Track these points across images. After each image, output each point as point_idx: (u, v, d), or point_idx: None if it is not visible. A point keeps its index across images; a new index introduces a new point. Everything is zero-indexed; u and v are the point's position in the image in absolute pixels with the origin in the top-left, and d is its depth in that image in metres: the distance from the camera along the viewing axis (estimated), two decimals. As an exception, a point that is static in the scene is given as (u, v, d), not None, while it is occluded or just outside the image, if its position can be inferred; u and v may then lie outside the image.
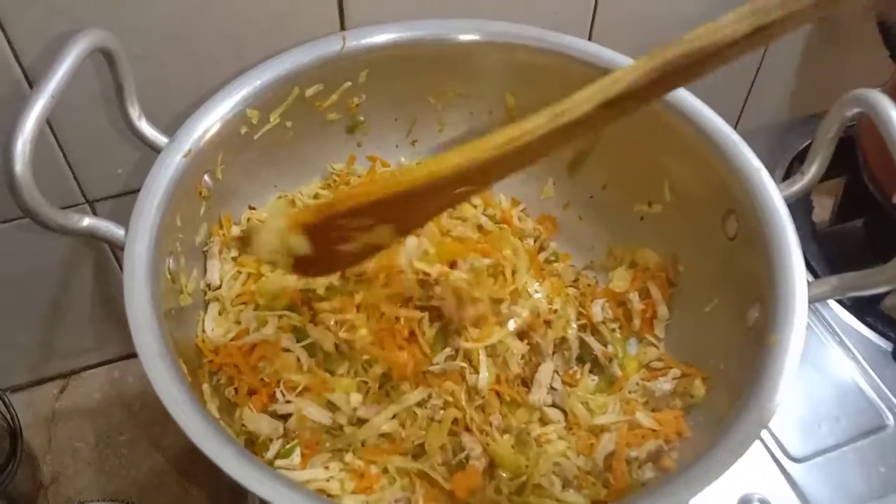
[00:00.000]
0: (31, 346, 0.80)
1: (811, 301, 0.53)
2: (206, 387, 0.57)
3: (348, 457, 0.56)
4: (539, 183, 0.74)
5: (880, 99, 0.52)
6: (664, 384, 0.59)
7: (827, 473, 0.67)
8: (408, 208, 0.48)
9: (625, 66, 0.41)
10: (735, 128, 0.96)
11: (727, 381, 0.56)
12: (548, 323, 0.63)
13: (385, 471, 0.55)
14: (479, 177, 0.45)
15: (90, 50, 0.51)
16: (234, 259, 0.64)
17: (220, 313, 0.62)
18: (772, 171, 0.86)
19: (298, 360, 0.58)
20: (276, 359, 0.58)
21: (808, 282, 0.54)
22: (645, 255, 0.69)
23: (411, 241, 0.62)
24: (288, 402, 0.57)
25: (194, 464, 0.77)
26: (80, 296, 0.77)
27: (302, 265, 0.50)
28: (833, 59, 0.93)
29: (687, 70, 0.40)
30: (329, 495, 0.53)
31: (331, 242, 0.50)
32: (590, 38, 0.76)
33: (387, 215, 0.48)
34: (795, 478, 0.66)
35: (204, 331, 0.60)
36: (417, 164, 0.68)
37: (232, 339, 0.59)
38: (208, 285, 0.62)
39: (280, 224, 0.49)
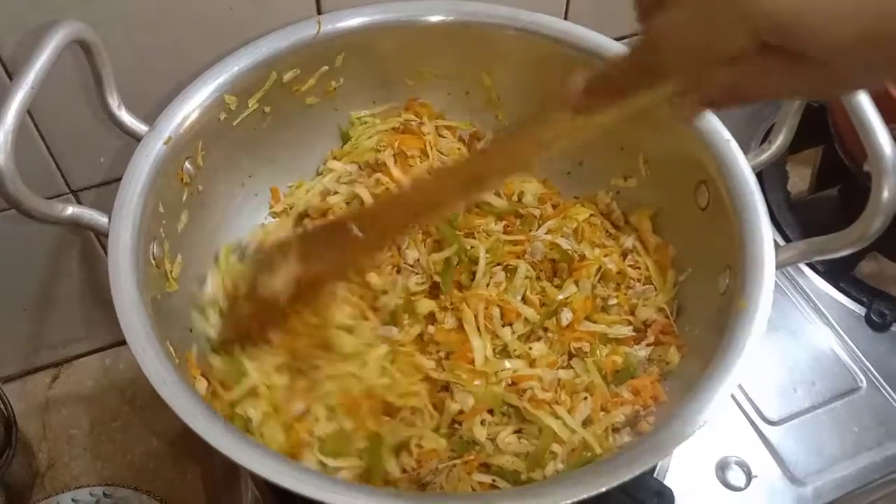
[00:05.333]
0: (22, 337, 0.80)
1: (779, 266, 0.54)
2: (194, 369, 0.58)
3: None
4: (517, 161, 0.75)
5: (841, 68, 0.53)
6: (639, 351, 0.61)
7: (802, 435, 0.69)
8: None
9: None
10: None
11: (701, 347, 0.57)
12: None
13: None
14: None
15: (67, 41, 0.51)
16: None
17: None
18: (748, 142, 0.88)
19: None
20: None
21: (776, 247, 0.55)
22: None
23: None
24: None
25: (188, 446, 0.78)
26: (68, 285, 0.77)
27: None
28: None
29: None
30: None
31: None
32: (565, 17, 0.77)
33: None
34: (772, 440, 0.68)
35: None
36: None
37: None
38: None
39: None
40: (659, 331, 0.62)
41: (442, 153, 0.72)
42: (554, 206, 0.71)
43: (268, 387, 0.57)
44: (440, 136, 0.73)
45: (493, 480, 0.56)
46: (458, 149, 0.73)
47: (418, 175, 0.62)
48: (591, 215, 0.69)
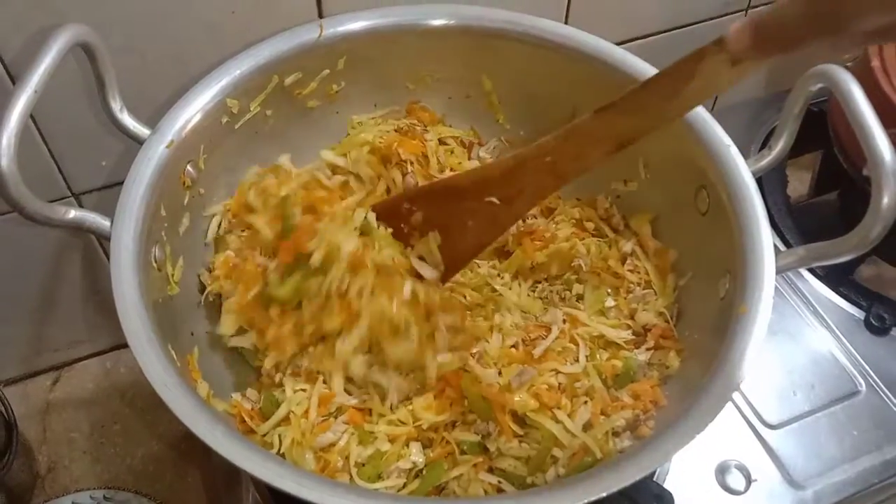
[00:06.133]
0: (23, 340, 0.80)
1: (779, 271, 0.54)
2: (195, 372, 0.58)
3: None
4: (517, 165, 0.76)
5: (841, 74, 0.54)
6: (639, 356, 0.61)
7: (801, 438, 0.69)
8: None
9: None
10: (713, 105, 0.99)
11: (701, 351, 0.58)
12: None
13: None
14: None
15: (71, 45, 0.51)
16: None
17: None
18: (748, 146, 0.88)
19: None
20: None
21: (776, 252, 0.55)
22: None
23: None
24: None
25: (189, 450, 0.78)
26: (70, 288, 0.78)
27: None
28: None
29: None
30: None
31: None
32: (566, 22, 0.77)
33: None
34: (771, 443, 0.69)
35: None
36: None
37: None
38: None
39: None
40: (659, 335, 0.62)
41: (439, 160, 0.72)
42: (551, 210, 0.71)
43: (298, 414, 0.57)
44: (443, 143, 0.73)
45: (500, 482, 0.56)
46: (454, 151, 0.73)
47: (561, 131, 0.55)
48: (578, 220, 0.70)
